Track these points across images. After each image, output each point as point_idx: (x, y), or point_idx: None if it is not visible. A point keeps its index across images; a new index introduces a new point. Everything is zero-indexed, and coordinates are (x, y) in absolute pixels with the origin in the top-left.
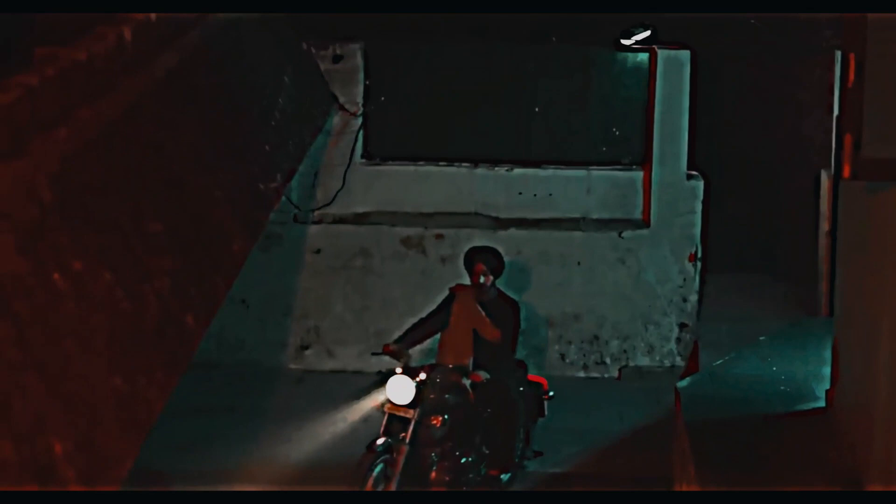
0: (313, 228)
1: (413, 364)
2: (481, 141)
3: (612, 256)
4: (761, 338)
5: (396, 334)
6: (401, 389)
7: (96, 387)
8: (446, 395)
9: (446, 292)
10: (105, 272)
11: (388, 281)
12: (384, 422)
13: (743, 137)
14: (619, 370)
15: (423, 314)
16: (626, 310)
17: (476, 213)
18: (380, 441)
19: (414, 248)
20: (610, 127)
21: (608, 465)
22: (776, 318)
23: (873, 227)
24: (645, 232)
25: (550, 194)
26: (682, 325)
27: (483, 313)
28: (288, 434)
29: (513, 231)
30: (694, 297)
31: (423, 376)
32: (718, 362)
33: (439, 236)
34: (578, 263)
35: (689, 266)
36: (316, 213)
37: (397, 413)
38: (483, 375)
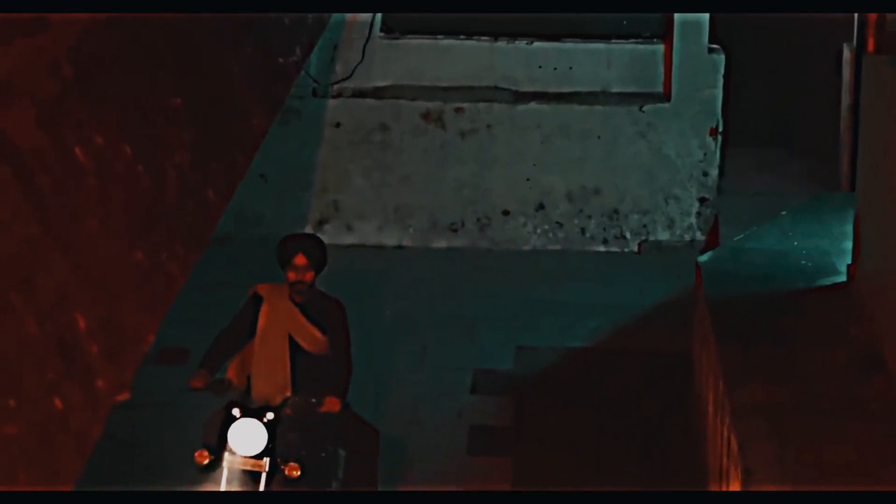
0: (332, 103)
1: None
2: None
3: (632, 130)
4: (782, 212)
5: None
6: (248, 437)
7: (118, 262)
8: (297, 434)
9: (248, 295)
10: (125, 147)
11: (407, 155)
12: (224, 480)
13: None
14: (639, 244)
15: (225, 326)
16: (646, 184)
17: (496, 87)
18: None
19: (433, 123)
20: None
21: (629, 340)
22: (797, 193)
23: None
24: (665, 106)
25: (570, 68)
26: (702, 200)
27: (302, 317)
28: None
29: (532, 105)
30: (714, 172)
31: (270, 416)
32: (739, 237)
33: (459, 110)
34: (598, 137)
35: (709, 140)
36: (335, 87)
37: (239, 467)
38: (339, 403)
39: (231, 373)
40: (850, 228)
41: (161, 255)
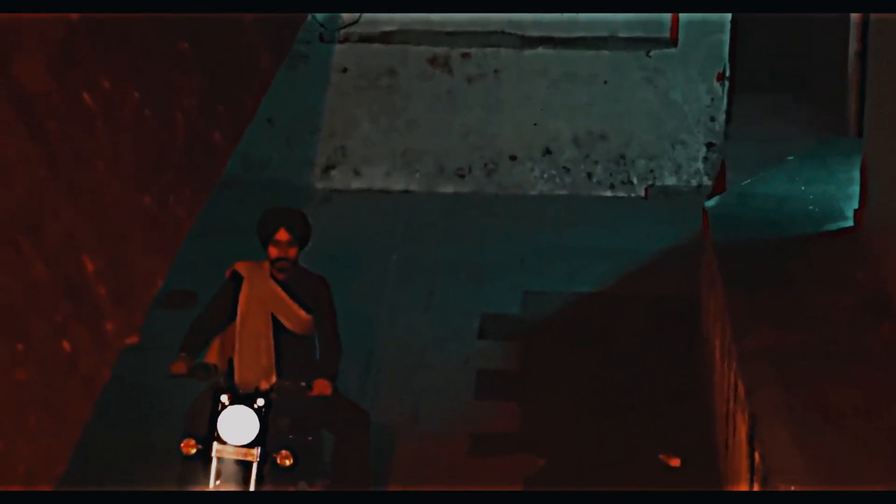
0: (339, 48)
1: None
2: None
3: (639, 76)
4: (789, 158)
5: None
6: (239, 425)
7: (125, 206)
8: (287, 420)
9: (226, 275)
10: (133, 91)
11: (414, 100)
12: (213, 470)
13: None
14: (646, 190)
15: (202, 309)
16: (652, 129)
17: (502, 32)
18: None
19: (440, 68)
20: None
21: (636, 285)
22: (804, 139)
23: None
24: (673, 51)
25: (577, 13)
26: (709, 145)
27: (286, 295)
28: (310, 252)
29: (539, 50)
30: (721, 117)
31: (261, 402)
32: (746, 182)
33: (465, 55)
34: (605, 83)
35: (716, 86)
36: (342, 32)
37: (229, 457)
38: (330, 386)
39: (212, 357)
40: (856, 174)
41: (169, 199)
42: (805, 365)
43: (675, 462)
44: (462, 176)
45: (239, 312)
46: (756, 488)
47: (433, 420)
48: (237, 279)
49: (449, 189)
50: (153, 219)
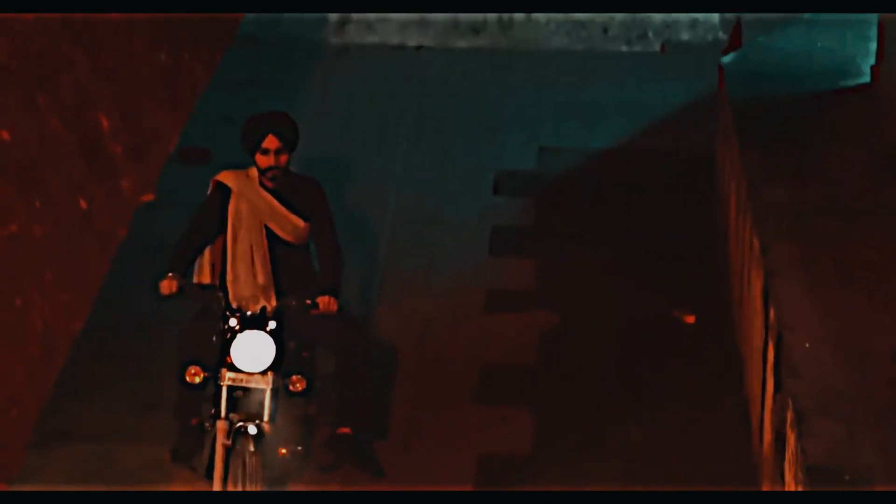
0: None
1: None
2: None
3: None
4: (806, 13)
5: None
6: (253, 351)
7: (141, 62)
8: (294, 341)
9: (210, 188)
10: None
11: None
12: (223, 400)
13: None
14: (662, 45)
15: (186, 225)
16: None
17: None
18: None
19: None
20: None
21: (651, 140)
22: None
23: None
24: None
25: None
26: None
27: (278, 204)
28: (327, 107)
29: None
30: None
31: (273, 325)
32: (762, 37)
33: None
34: None
35: None
36: None
37: (241, 384)
38: (336, 302)
39: (204, 277)
40: (874, 30)
41: (184, 56)
42: (820, 221)
43: (690, 319)
44: (477, 31)
45: (230, 226)
46: (771, 344)
47: (448, 276)
48: (223, 191)
49: (463, 44)
50: (169, 75)
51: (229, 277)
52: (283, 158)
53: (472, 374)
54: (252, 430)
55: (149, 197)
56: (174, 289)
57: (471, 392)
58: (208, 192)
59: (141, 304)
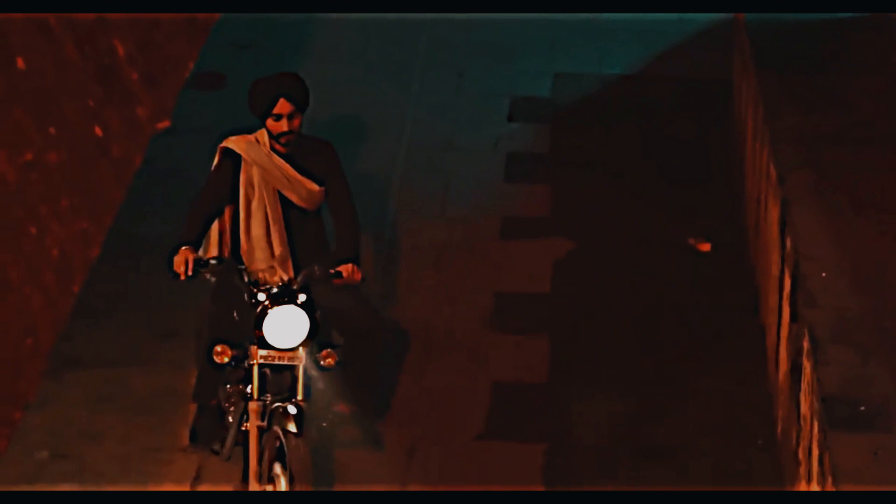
0: None
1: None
2: None
3: None
4: None
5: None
6: (286, 326)
7: None
8: (320, 313)
9: (217, 154)
10: None
11: None
12: (255, 380)
13: None
14: None
15: (196, 195)
16: None
17: None
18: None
19: None
20: None
21: (668, 67)
22: None
23: None
24: None
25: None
26: None
27: (291, 169)
28: (341, 33)
29: None
30: None
31: (303, 297)
32: None
33: None
34: None
35: None
36: None
37: (273, 362)
38: (359, 271)
39: (213, 250)
40: None
41: None
42: (837, 149)
43: (706, 247)
44: None
45: (242, 195)
46: (787, 273)
47: (463, 203)
48: (233, 158)
49: None
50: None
51: (243, 248)
52: (297, 122)
53: (487, 300)
54: (292, 409)
55: (164, 123)
56: (190, 266)
57: (485, 319)
58: (215, 160)
59: (157, 230)
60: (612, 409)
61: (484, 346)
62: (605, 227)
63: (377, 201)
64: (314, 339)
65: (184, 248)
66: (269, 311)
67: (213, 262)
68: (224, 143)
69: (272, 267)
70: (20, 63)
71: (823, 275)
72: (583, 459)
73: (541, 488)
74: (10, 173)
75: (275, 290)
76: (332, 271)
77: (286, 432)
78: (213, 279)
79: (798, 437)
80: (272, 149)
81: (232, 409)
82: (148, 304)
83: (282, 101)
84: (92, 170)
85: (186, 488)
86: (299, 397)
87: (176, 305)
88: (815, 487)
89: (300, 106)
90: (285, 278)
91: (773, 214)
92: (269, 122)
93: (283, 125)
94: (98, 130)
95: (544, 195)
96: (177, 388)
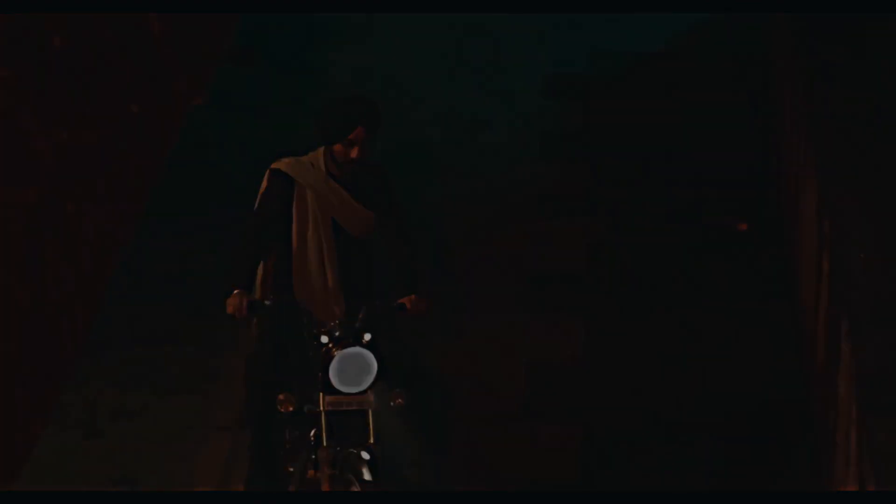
0: None
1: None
2: None
3: None
4: None
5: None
6: (358, 369)
7: None
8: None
9: (266, 177)
10: None
11: None
12: (323, 428)
13: None
14: None
15: (246, 228)
16: None
17: None
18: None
19: None
20: None
21: (704, 41)
22: None
23: None
24: None
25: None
26: None
27: (346, 193)
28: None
29: None
30: None
31: (368, 337)
32: None
33: None
34: None
35: None
36: None
37: (341, 409)
38: (425, 302)
39: (258, 292)
40: None
41: None
42: (876, 129)
43: (742, 226)
44: None
45: (295, 224)
46: (825, 255)
47: (497, 179)
48: (285, 182)
49: None
50: None
51: (296, 281)
52: (363, 151)
53: (520, 279)
54: (365, 455)
55: (199, 101)
56: (244, 311)
57: (517, 297)
58: (263, 184)
59: (192, 208)
60: (645, 391)
61: (515, 324)
62: (640, 208)
63: (410, 175)
64: (380, 381)
65: (237, 291)
66: (335, 354)
67: (268, 303)
68: (274, 165)
69: (325, 300)
70: (56, 42)
71: (862, 256)
72: (615, 442)
73: (573, 471)
74: (46, 152)
75: (337, 332)
76: (396, 304)
77: (361, 480)
78: (256, 320)
79: (836, 420)
80: (329, 173)
81: (294, 456)
82: (183, 283)
83: (361, 129)
84: (127, 148)
85: (220, 467)
86: (371, 441)
87: (211, 286)
88: (853, 471)
89: (374, 135)
90: (338, 312)
91: (812, 195)
92: (339, 147)
93: (354, 152)
94: (134, 108)
95: (581, 172)
96: (212, 367)
